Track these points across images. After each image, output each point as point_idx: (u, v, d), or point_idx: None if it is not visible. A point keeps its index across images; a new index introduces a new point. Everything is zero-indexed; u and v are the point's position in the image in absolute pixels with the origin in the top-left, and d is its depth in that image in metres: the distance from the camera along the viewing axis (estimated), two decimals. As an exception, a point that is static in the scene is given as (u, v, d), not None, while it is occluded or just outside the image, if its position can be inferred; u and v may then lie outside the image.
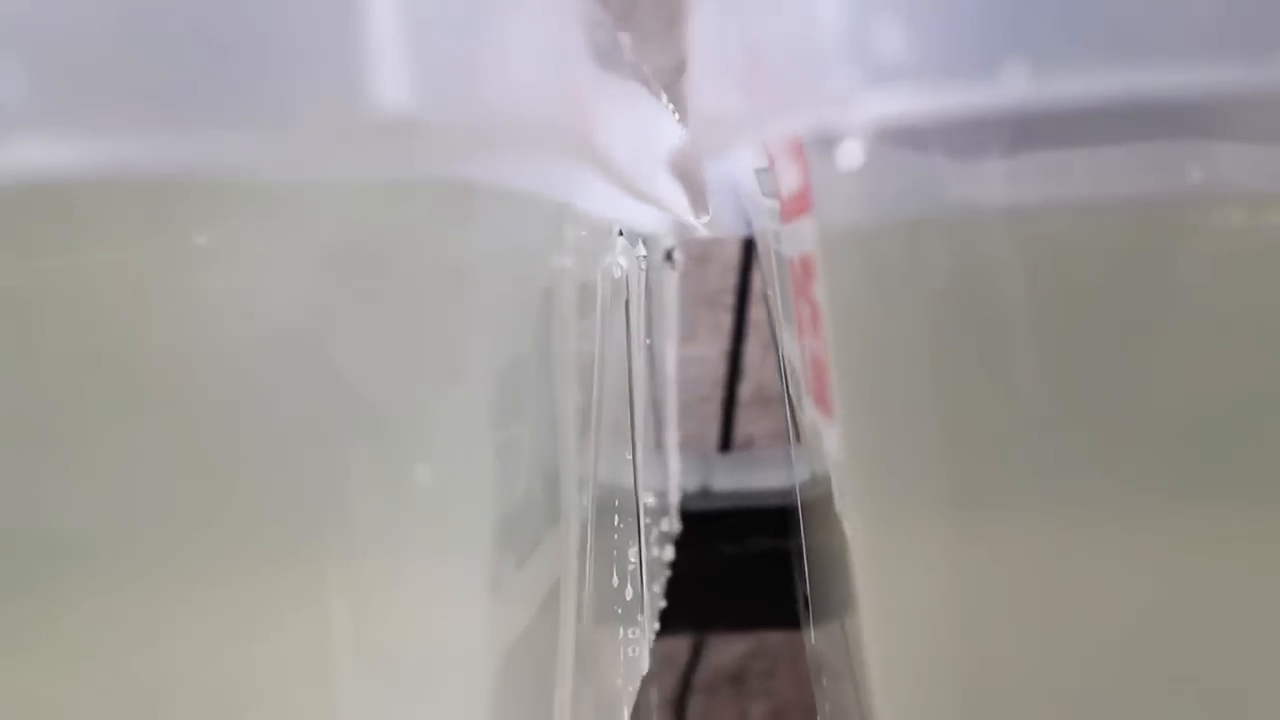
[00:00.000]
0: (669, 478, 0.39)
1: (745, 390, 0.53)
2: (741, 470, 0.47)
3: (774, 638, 0.54)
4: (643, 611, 0.28)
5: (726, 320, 0.54)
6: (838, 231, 0.14)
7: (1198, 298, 0.13)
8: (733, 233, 0.36)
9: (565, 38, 0.14)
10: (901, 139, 0.13)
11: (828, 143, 0.13)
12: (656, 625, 0.33)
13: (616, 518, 0.25)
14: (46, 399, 0.13)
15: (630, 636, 0.27)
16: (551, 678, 0.19)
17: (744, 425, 0.54)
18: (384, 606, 0.14)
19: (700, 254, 0.54)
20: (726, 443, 0.52)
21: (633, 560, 0.27)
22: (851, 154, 0.12)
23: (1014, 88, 0.10)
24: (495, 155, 0.14)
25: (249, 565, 0.14)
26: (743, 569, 0.43)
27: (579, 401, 0.22)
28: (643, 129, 0.18)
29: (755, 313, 0.52)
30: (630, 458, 0.27)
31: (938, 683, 0.15)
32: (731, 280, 0.53)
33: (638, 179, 0.18)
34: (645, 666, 0.29)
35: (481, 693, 0.15)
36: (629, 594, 0.27)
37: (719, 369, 0.54)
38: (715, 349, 0.54)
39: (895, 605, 0.15)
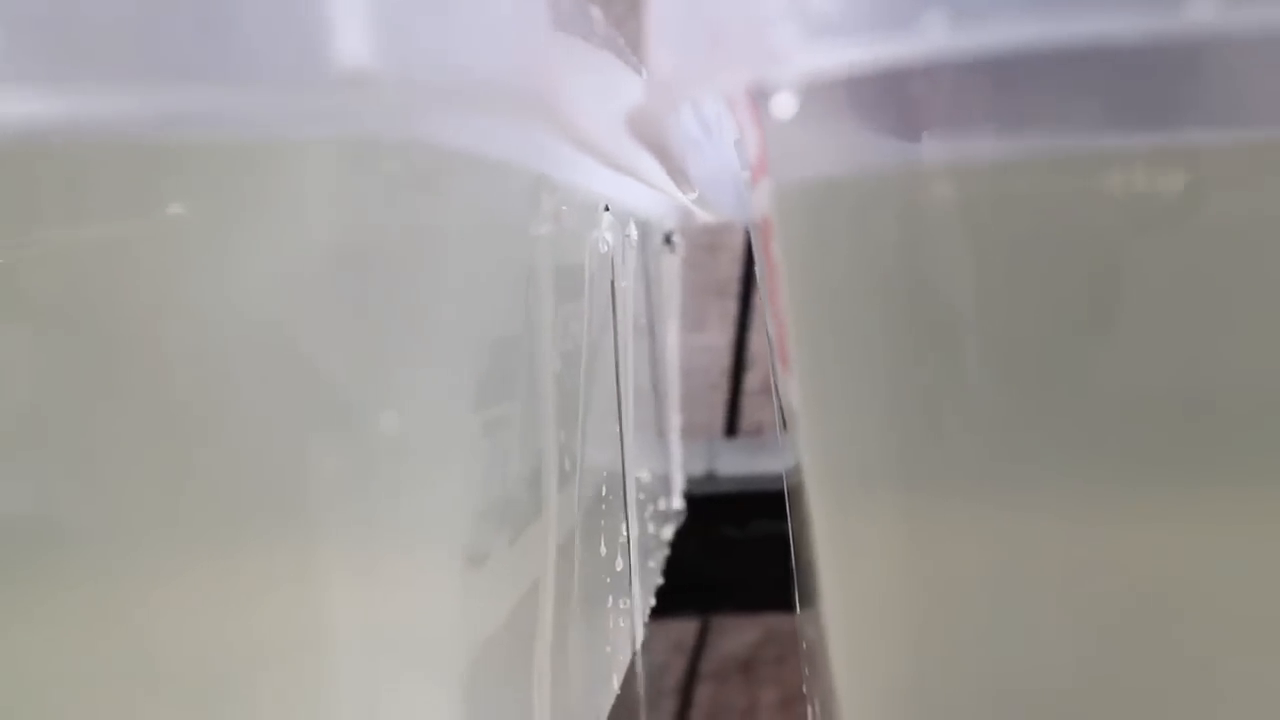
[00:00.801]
0: (671, 460, 0.40)
1: (754, 379, 0.54)
2: (746, 455, 0.47)
3: (785, 626, 0.54)
4: (633, 583, 0.28)
5: (736, 309, 0.54)
6: (790, 189, 0.14)
7: (1141, 259, 0.13)
8: (732, 217, 0.36)
9: (525, 5, 0.14)
10: (847, 98, 0.13)
11: (785, 99, 0.13)
12: (653, 600, 0.33)
13: (604, 488, 0.26)
14: (26, 377, 0.13)
15: (621, 606, 0.28)
16: (532, 646, 0.19)
17: (754, 413, 0.54)
18: (368, 584, 0.14)
19: (710, 243, 0.54)
20: (732, 428, 0.53)
21: (623, 534, 0.27)
22: (786, 106, 0.13)
23: (933, 38, 0.11)
24: (456, 117, 0.14)
25: (230, 546, 0.14)
26: (746, 552, 0.43)
27: (568, 377, 0.22)
28: (620, 102, 0.18)
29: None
30: (619, 433, 0.27)
31: (892, 659, 0.15)
32: (741, 270, 0.53)
33: (615, 152, 0.18)
34: (639, 636, 0.30)
35: (461, 662, 0.16)
36: (619, 565, 0.27)
37: (728, 358, 0.54)
38: (725, 338, 0.54)
39: (851, 580, 0.15)
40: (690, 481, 0.44)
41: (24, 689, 0.14)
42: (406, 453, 0.14)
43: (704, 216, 0.36)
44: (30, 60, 0.11)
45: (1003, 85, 0.13)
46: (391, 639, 0.14)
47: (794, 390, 0.16)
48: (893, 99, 0.13)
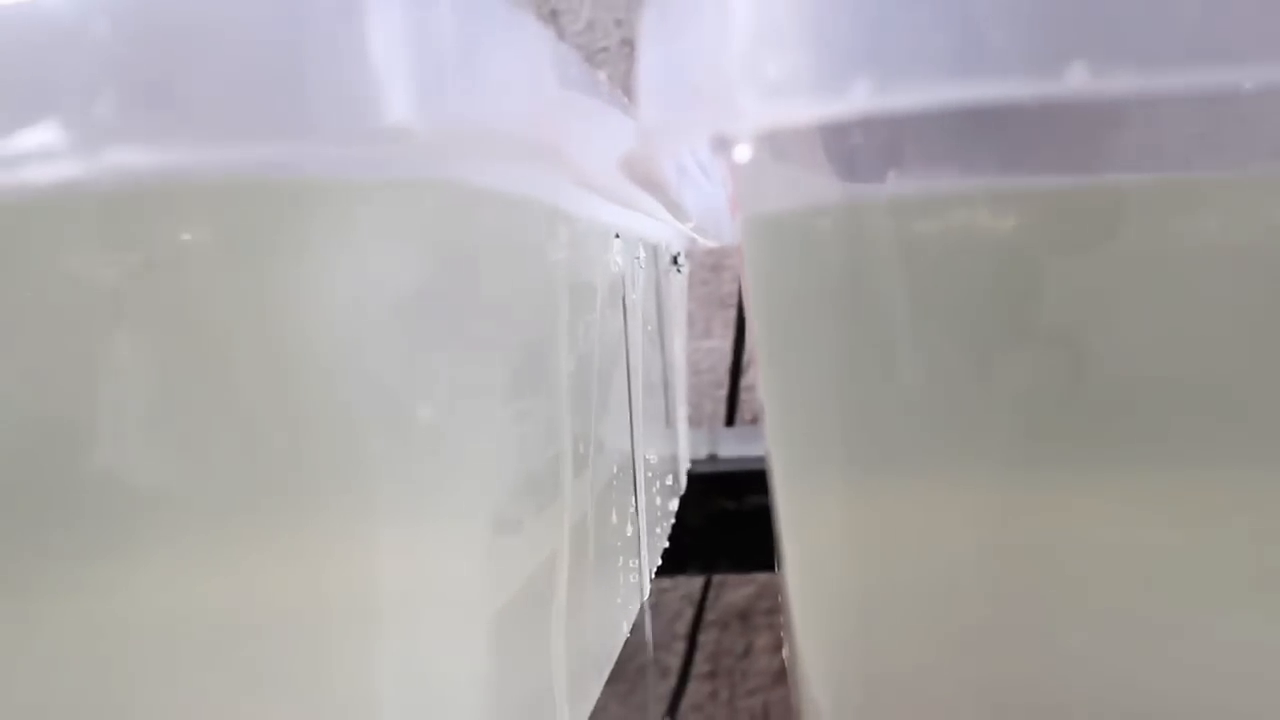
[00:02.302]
0: (678, 445, 0.40)
1: (751, 377, 0.54)
2: (743, 441, 0.47)
3: (776, 582, 0.54)
4: (642, 547, 0.28)
5: (735, 319, 0.54)
6: (754, 221, 0.15)
7: (1047, 282, 0.13)
8: (727, 243, 0.37)
9: (536, 70, 0.15)
10: (798, 147, 0.14)
11: (743, 148, 0.14)
12: (659, 561, 0.33)
13: (617, 468, 0.26)
14: (144, 377, 0.14)
15: (631, 566, 0.28)
16: (551, 601, 0.20)
17: (750, 406, 0.54)
18: (413, 549, 0.14)
19: (714, 264, 0.54)
20: (731, 418, 0.53)
21: (632, 506, 0.28)
22: (743, 153, 0.13)
23: (862, 100, 0.11)
24: (483, 163, 0.14)
25: (300, 517, 0.14)
26: (741, 521, 0.43)
27: (584, 376, 0.22)
28: (621, 148, 0.19)
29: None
30: (629, 422, 0.27)
31: (836, 611, 0.15)
32: (739, 286, 0.54)
33: (617, 189, 0.19)
34: (646, 590, 0.30)
35: (490, 614, 0.16)
36: (629, 531, 0.27)
37: (730, 360, 0.54)
38: (728, 343, 0.54)
39: (804, 546, 0.16)
40: (695, 462, 0.44)
41: (131, 633, 0.14)
42: (446, 441, 0.15)
43: (706, 242, 0.36)
44: (141, 121, 0.12)
45: (925, 136, 0.13)
46: (431, 595, 0.15)
47: (761, 387, 0.16)
48: (835, 148, 0.13)
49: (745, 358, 0.53)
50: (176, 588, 0.14)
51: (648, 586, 0.30)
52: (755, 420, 0.53)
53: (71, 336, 0.14)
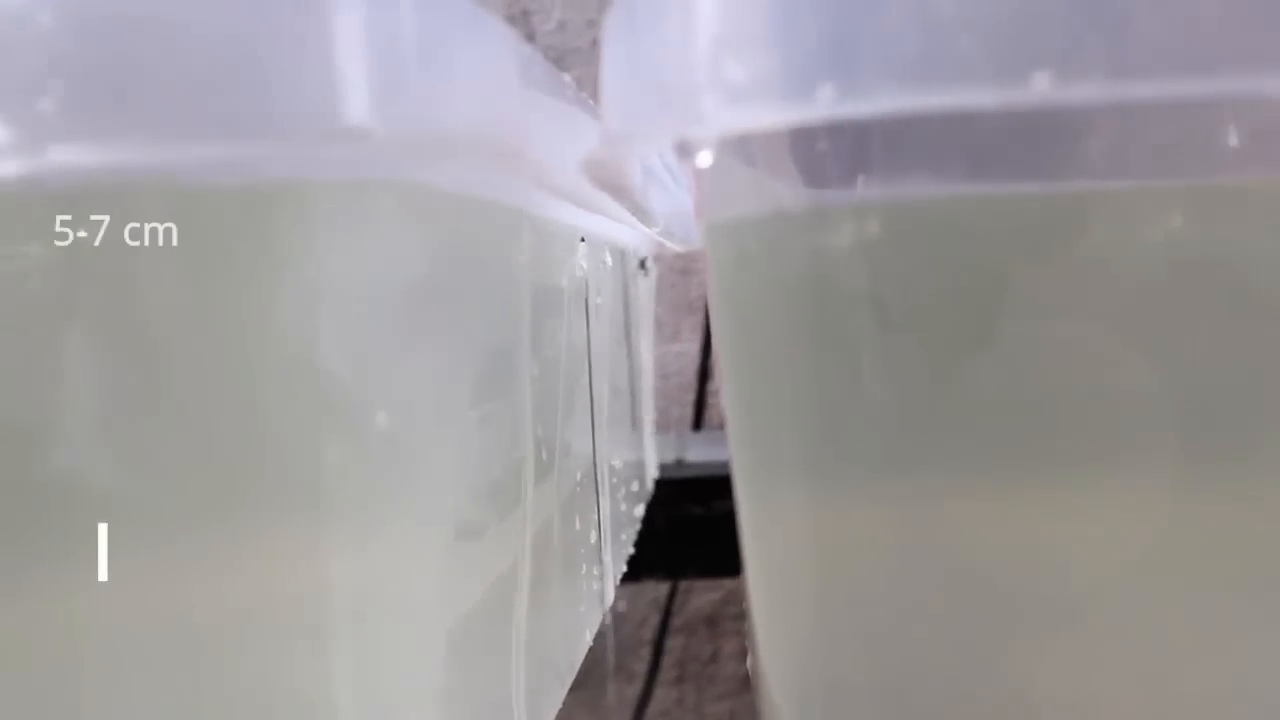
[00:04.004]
0: (644, 450, 0.40)
1: (719, 382, 0.54)
2: (710, 445, 0.47)
3: (743, 588, 0.54)
4: (605, 554, 0.28)
5: (703, 323, 0.54)
6: (715, 226, 0.15)
7: (1008, 290, 0.13)
8: (694, 247, 0.36)
9: (500, 72, 0.15)
10: (760, 152, 0.14)
11: (705, 153, 0.14)
12: (624, 568, 0.33)
13: (581, 474, 0.26)
14: (87, 378, 0.13)
15: (594, 573, 0.28)
16: (511, 611, 0.19)
17: (718, 410, 0.54)
18: (366, 557, 0.14)
19: (682, 268, 0.54)
20: (699, 423, 0.53)
21: (596, 512, 0.27)
22: (705, 158, 0.13)
23: (825, 106, 0.11)
24: (442, 164, 0.14)
25: (252, 523, 0.14)
26: (708, 526, 0.43)
27: (547, 380, 0.22)
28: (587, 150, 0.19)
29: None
30: (592, 427, 0.27)
31: (795, 616, 0.15)
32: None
33: (581, 192, 0.19)
34: (610, 598, 0.30)
35: (446, 625, 0.16)
36: (593, 538, 0.27)
37: (698, 363, 0.54)
38: (696, 347, 0.54)
39: (765, 552, 0.15)
40: (663, 468, 0.44)
41: (81, 637, 0.14)
42: (404, 447, 0.14)
43: (674, 246, 0.36)
44: (88, 119, 0.11)
45: (891, 142, 0.13)
46: (388, 603, 0.14)
47: (723, 393, 0.16)
48: (800, 153, 0.13)
49: (713, 362, 0.53)
50: (128, 593, 0.14)
51: (611, 593, 0.30)
52: (723, 425, 0.53)
53: (22, 339, 0.14)
